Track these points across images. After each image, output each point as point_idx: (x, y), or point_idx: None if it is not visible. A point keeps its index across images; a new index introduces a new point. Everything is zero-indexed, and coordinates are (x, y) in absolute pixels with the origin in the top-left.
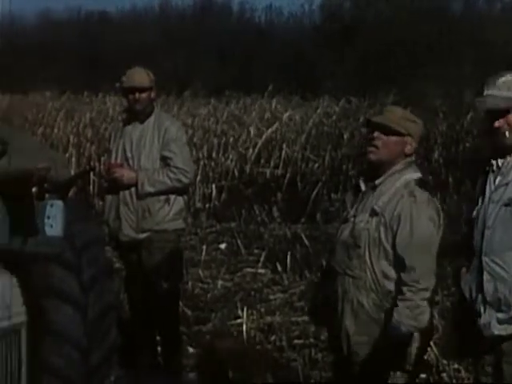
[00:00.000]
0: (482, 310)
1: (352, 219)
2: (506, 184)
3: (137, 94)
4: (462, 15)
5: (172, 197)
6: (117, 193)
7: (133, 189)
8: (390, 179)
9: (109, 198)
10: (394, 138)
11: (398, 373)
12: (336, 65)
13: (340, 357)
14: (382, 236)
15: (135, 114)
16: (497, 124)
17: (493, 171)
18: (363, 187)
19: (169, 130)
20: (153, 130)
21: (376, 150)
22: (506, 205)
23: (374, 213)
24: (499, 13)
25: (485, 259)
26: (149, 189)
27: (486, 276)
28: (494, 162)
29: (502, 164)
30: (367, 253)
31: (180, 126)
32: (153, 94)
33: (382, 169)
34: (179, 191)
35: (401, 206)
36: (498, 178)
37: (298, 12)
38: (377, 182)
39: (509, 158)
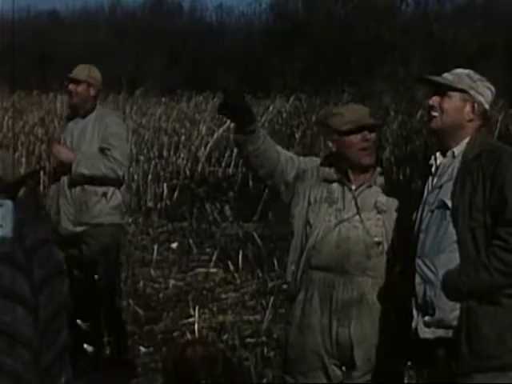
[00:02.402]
0: (414, 312)
1: (356, 217)
2: (440, 187)
3: (71, 85)
4: (413, 15)
5: (109, 191)
6: (59, 180)
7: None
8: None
9: (51, 191)
10: None
11: None
12: (286, 64)
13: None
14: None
15: (74, 108)
16: (430, 101)
17: (431, 172)
18: (350, 185)
19: (109, 124)
20: (93, 124)
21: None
22: (438, 207)
23: (381, 210)
24: (449, 12)
25: (418, 262)
26: (83, 170)
27: (417, 279)
28: (432, 162)
29: (439, 165)
30: (385, 251)
31: (121, 123)
32: (92, 91)
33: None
34: (112, 183)
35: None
36: (435, 180)
37: (249, 11)
38: (377, 181)
39: (445, 160)
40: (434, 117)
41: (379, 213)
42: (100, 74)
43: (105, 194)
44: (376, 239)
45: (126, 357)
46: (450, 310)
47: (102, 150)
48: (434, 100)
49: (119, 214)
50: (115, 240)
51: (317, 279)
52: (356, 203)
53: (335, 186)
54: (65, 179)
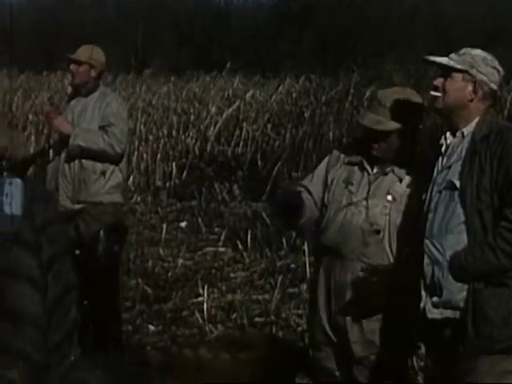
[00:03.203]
0: (423, 293)
1: (363, 203)
2: (449, 167)
3: (72, 66)
4: None
5: (108, 170)
6: (59, 153)
7: (71, 163)
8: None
9: (49, 169)
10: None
11: None
12: (295, 44)
13: (337, 346)
14: (404, 222)
15: (76, 88)
16: (435, 82)
17: (441, 153)
18: (370, 170)
19: (110, 104)
20: (95, 103)
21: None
22: (446, 188)
23: (392, 198)
24: None
25: (426, 242)
26: (80, 142)
27: (426, 259)
28: (443, 142)
29: (449, 145)
30: (387, 239)
31: (122, 102)
32: (94, 72)
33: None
34: (110, 159)
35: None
36: (444, 160)
37: None
38: (396, 170)
39: (454, 140)
40: (437, 97)
41: (389, 201)
42: (103, 56)
43: (103, 173)
44: (375, 227)
45: (117, 337)
46: (458, 291)
47: (101, 128)
48: (438, 81)
49: (120, 193)
50: (116, 219)
51: (323, 258)
52: (369, 188)
53: (356, 168)
54: (63, 157)
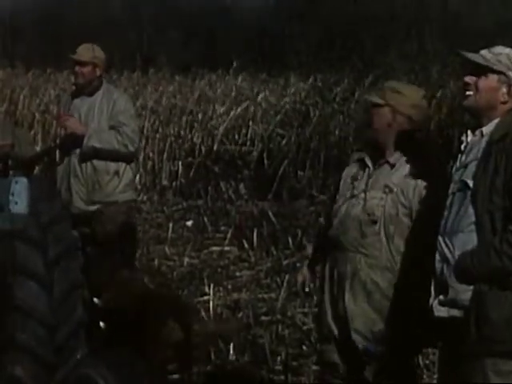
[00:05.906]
0: (432, 290)
1: (362, 195)
2: (465, 166)
3: (77, 67)
4: None
5: (121, 169)
6: (68, 154)
7: (83, 165)
8: (401, 155)
9: (60, 170)
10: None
11: None
12: (300, 41)
13: (339, 338)
14: (400, 213)
15: (80, 87)
16: (467, 79)
17: (460, 150)
18: (370, 164)
19: (117, 102)
20: (101, 102)
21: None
22: (461, 188)
23: (389, 189)
24: None
25: (439, 239)
26: (95, 143)
27: (437, 256)
28: (463, 139)
29: (468, 143)
30: (383, 230)
31: (128, 99)
32: (98, 71)
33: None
34: (123, 158)
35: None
36: (462, 158)
37: None
38: (391, 160)
39: (473, 139)
40: (469, 95)
41: (385, 193)
42: (103, 53)
43: (117, 172)
44: (372, 218)
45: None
46: (463, 291)
47: (112, 128)
48: (470, 78)
49: (132, 190)
50: (130, 217)
51: (328, 252)
52: (367, 181)
53: (361, 165)
54: (75, 160)
